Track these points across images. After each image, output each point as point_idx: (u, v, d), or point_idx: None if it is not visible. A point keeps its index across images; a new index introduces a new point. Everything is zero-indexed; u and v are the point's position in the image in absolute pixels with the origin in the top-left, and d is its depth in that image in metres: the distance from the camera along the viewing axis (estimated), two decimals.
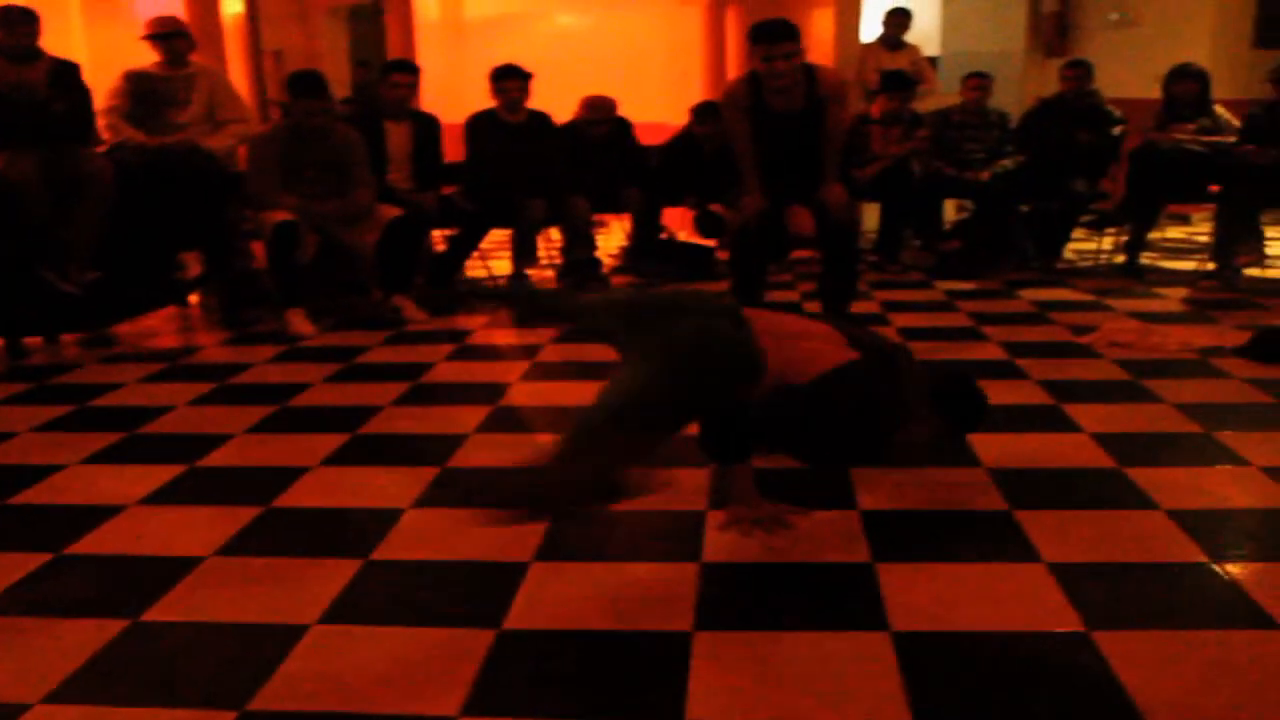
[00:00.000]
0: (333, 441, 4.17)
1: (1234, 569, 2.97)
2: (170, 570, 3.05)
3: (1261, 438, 4.08)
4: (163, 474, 3.85)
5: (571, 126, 7.77)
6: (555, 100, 7.68)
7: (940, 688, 2.42)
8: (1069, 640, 2.61)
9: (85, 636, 2.69)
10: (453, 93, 9.24)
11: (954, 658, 2.55)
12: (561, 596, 2.87)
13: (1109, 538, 3.18)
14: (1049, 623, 2.69)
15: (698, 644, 2.60)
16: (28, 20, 5.76)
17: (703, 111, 7.99)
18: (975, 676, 2.48)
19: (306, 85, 6.21)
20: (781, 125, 5.64)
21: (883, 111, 8.20)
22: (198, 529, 3.36)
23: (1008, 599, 2.83)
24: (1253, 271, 7.28)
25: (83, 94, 5.90)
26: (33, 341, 5.88)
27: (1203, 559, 3.04)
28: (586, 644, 2.63)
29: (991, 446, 3.96)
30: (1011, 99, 9.66)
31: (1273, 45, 10.62)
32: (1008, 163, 8.00)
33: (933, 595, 2.85)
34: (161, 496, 3.66)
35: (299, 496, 3.63)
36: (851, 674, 2.47)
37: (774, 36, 5.43)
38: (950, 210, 9.17)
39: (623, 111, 8.05)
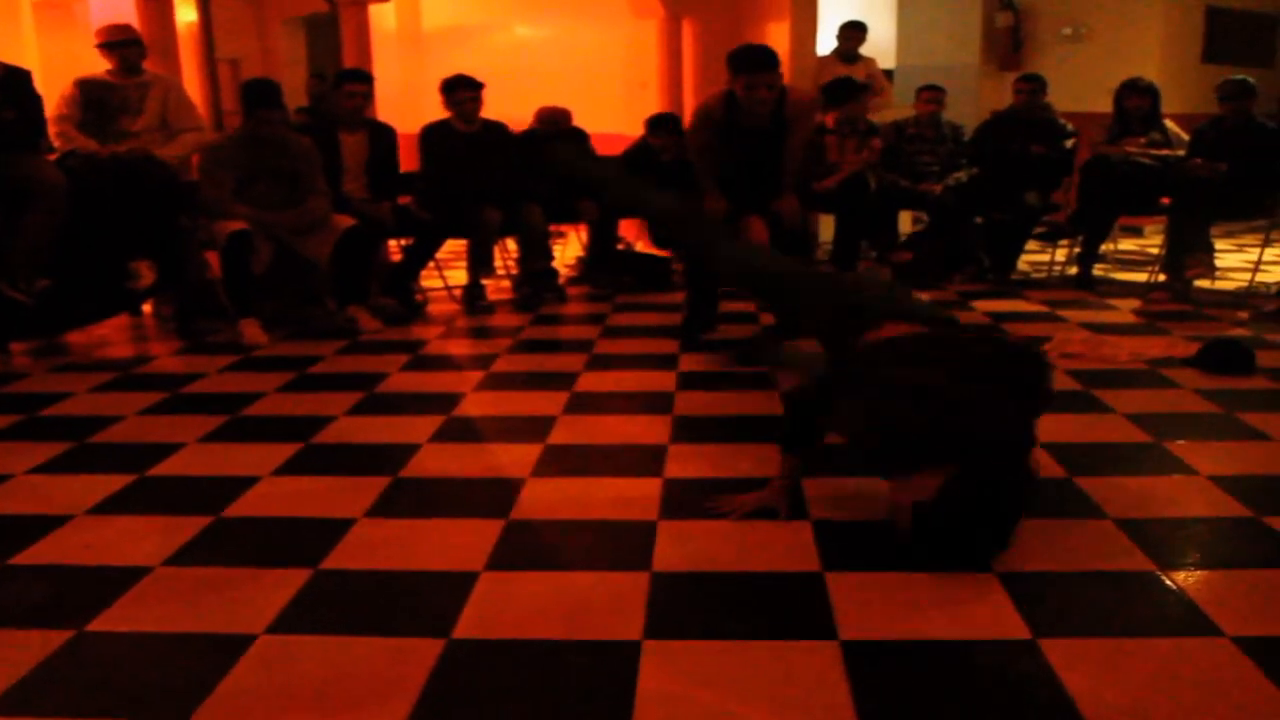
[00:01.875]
0: (285, 451, 4.14)
1: (1181, 577, 3.00)
2: (118, 580, 3.02)
3: (1211, 447, 4.14)
4: (112, 483, 3.82)
5: (526, 136, 7.77)
6: (512, 110, 7.69)
7: (888, 696, 2.43)
8: (1016, 648, 2.62)
9: (30, 647, 2.65)
10: (410, 102, 9.24)
11: (902, 666, 2.56)
12: (511, 606, 2.87)
13: (1058, 547, 3.20)
14: (997, 630, 2.71)
15: (647, 653, 2.60)
16: None
17: (658, 123, 8.01)
18: (923, 685, 2.49)
19: (261, 94, 6.18)
20: (747, 140, 5.71)
21: (836, 121, 8.23)
22: (147, 539, 3.33)
23: (957, 607, 2.84)
24: (1203, 283, 7.36)
25: (34, 101, 5.84)
26: None
27: (1151, 567, 3.07)
28: (536, 653, 2.62)
29: None
30: (966, 112, 9.74)
31: (1221, 61, 10.82)
32: (961, 175, 8.05)
33: (882, 604, 2.86)
34: (110, 506, 3.63)
35: (249, 506, 3.61)
36: (800, 683, 2.48)
37: (757, 66, 5.50)
38: (905, 222, 9.24)
39: (579, 122, 8.07)
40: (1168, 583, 2.97)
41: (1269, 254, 7.85)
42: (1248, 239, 9.88)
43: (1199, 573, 3.05)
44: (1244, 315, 6.58)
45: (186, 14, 8.63)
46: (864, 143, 8.23)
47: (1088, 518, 3.43)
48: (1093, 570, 3.07)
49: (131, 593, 2.95)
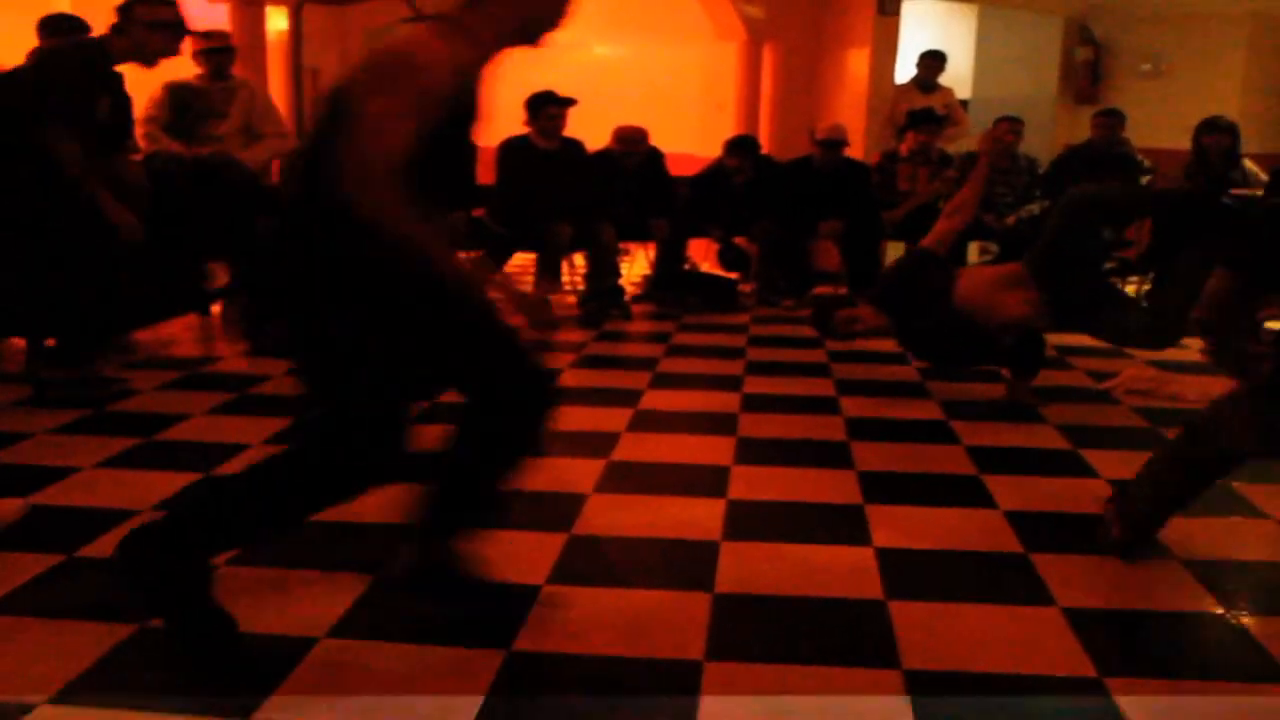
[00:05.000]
0: None
1: (1247, 620, 2.95)
2: None
3: (1277, 490, 4.06)
4: (178, 481, 3.84)
5: (603, 155, 7.79)
6: (588, 129, 7.71)
7: None
8: (1082, 685, 2.59)
9: (93, 639, 2.68)
10: (487, 117, 9.28)
11: (966, 698, 2.53)
12: (572, 619, 2.86)
13: (1124, 585, 3.16)
14: (1062, 667, 2.67)
15: (708, 674, 2.58)
16: (75, 27, 5.79)
17: (736, 145, 8.00)
18: (986, 718, 2.46)
19: None
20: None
21: (910, 149, 8.19)
22: None
23: (1020, 641, 2.81)
24: (1273, 324, 7.22)
25: (124, 103, 5.92)
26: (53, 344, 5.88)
27: (1217, 610, 3.02)
28: (597, 668, 2.62)
29: (1008, 489, 3.94)
30: (1040, 145, 9.66)
31: None
32: (1034, 208, 7.98)
33: (945, 635, 2.83)
34: (176, 503, 3.65)
35: None
36: (862, 711, 2.45)
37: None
38: (973, 253, 9.16)
39: (655, 142, 8.06)
40: (1235, 626, 2.92)
41: None
42: None
43: (1265, 617, 3.00)
44: None
45: (277, 22, 8.70)
46: (937, 172, 8.18)
47: (1155, 557, 3.37)
48: (1160, 610, 3.03)
49: None
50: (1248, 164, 7.56)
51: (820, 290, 5.30)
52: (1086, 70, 11.07)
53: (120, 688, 2.48)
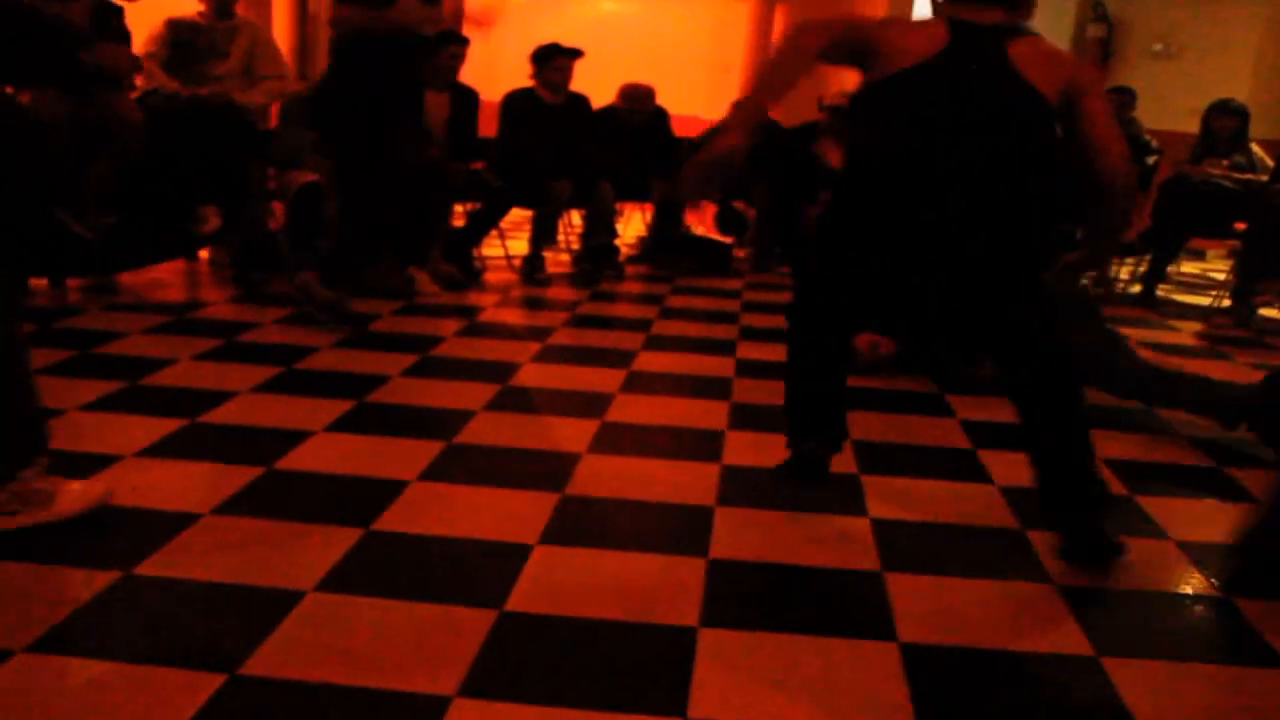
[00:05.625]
0: (338, 407, 4.10)
1: (1241, 602, 2.92)
2: (166, 525, 2.97)
3: (1269, 475, 4.03)
4: (162, 426, 3.78)
5: (608, 112, 7.70)
6: (592, 85, 7.61)
7: (948, 704, 2.37)
8: (1079, 664, 2.56)
9: (74, 587, 2.62)
10: (488, 72, 9.16)
11: (963, 673, 2.50)
12: (566, 581, 2.81)
13: (1118, 563, 3.11)
14: (1060, 645, 2.64)
15: (703, 640, 2.54)
16: None
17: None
18: (984, 695, 2.43)
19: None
20: None
21: None
22: (195, 485, 3.30)
23: (1017, 617, 2.79)
24: (1268, 312, 7.21)
25: (123, 38, 5.81)
26: (37, 283, 5.81)
27: (1210, 591, 3.00)
28: (591, 632, 2.56)
29: (1003, 464, 3.91)
30: None
31: None
32: None
33: (941, 608, 2.80)
34: (160, 450, 3.58)
35: (301, 460, 3.56)
36: (859, 682, 2.41)
37: None
38: None
39: (661, 102, 7.95)
40: (1231, 608, 2.90)
41: None
42: None
43: (1261, 601, 2.96)
44: None
45: None
46: None
47: (1149, 537, 3.35)
48: (1155, 590, 3.02)
49: (179, 539, 2.91)
50: (1255, 148, 7.51)
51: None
52: (1098, 47, 11.00)
53: (100, 638, 2.42)
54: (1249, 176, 7.33)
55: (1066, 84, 2.95)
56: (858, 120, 3.14)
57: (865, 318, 4.01)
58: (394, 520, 3.11)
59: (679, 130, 8.01)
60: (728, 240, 8.17)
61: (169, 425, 3.80)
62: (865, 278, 3.17)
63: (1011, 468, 3.86)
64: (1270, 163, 7.38)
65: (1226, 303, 7.26)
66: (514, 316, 6.14)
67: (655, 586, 2.82)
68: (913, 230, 2.99)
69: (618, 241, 7.63)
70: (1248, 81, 9.98)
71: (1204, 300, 7.86)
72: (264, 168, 6.36)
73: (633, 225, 8.93)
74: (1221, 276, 8.26)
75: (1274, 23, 10.38)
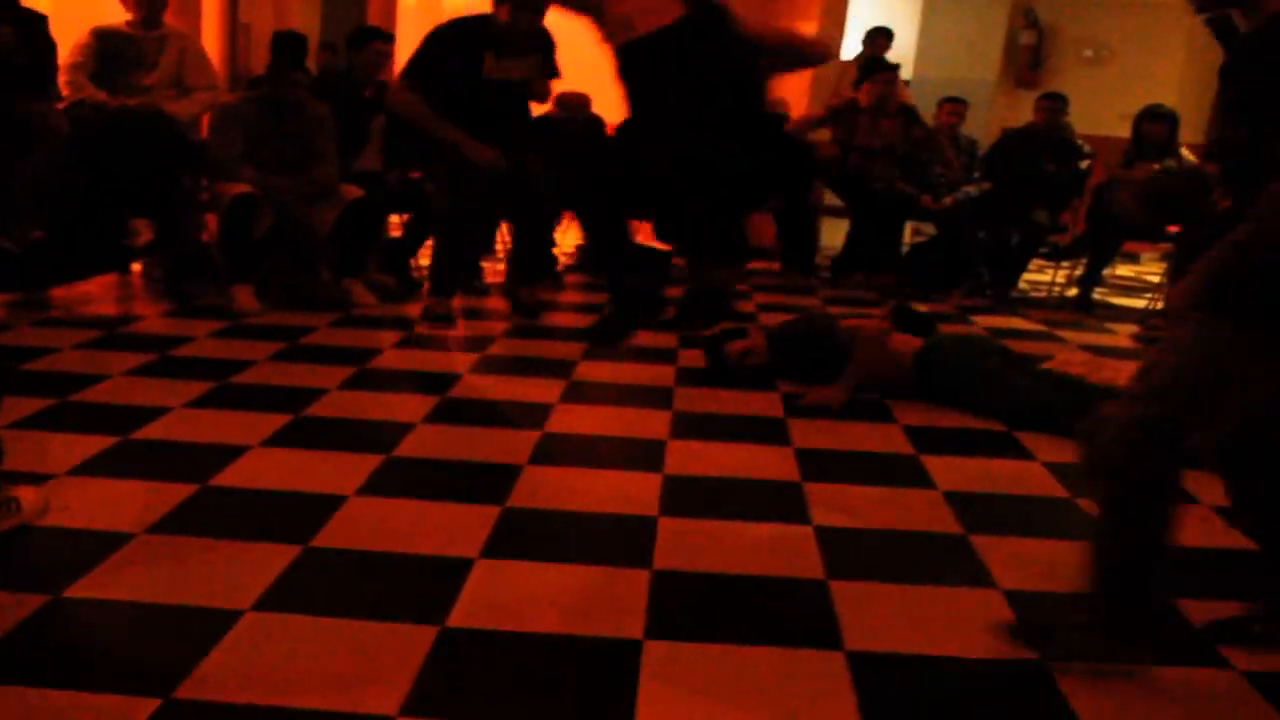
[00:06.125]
0: (274, 421, 4.03)
1: (1190, 608, 2.92)
2: (98, 545, 2.90)
3: (1210, 476, 4.06)
4: (94, 444, 3.70)
5: (544, 120, 7.65)
6: None
7: (896, 711, 2.36)
8: (1025, 669, 2.55)
9: (2, 610, 2.55)
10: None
11: (910, 681, 2.49)
12: (508, 596, 2.77)
13: (1061, 567, 3.12)
14: (1007, 650, 2.63)
15: (648, 653, 2.51)
16: None
17: None
18: (932, 703, 2.42)
19: (294, 51, 6.04)
20: None
21: (869, 102, 8.11)
22: (128, 504, 3.23)
23: (963, 623, 2.77)
24: None
25: (48, 47, 5.69)
26: None
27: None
28: (534, 647, 2.53)
29: (945, 469, 3.92)
30: (982, 127, 9.68)
31: None
32: (971, 189, 7.97)
33: (887, 616, 2.79)
34: (92, 467, 3.51)
35: (237, 476, 3.50)
36: (806, 692, 2.40)
37: None
38: (909, 234, 9.17)
39: (596, 110, 7.92)
40: (1174, 612, 2.90)
41: None
42: None
43: (1203, 602, 2.97)
44: None
45: None
46: (903, 124, 8.12)
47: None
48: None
49: (112, 559, 2.84)
50: (1185, 152, 7.61)
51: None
52: (1029, 54, 11.13)
53: (29, 665, 2.35)
54: None
55: None
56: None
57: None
58: (333, 536, 3.06)
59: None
60: (666, 248, 8.14)
61: (101, 442, 3.72)
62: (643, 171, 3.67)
63: (953, 472, 3.89)
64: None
65: (1162, 305, 7.34)
66: (452, 327, 6.08)
67: (599, 599, 2.79)
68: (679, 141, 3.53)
69: (556, 250, 7.59)
70: (1175, 87, 10.13)
71: (1139, 303, 7.96)
72: (196, 179, 6.26)
73: (570, 235, 8.89)
74: (1156, 279, 8.37)
75: (1199, 30, 10.51)
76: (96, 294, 6.25)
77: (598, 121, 7.91)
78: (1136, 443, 2.43)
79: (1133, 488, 2.49)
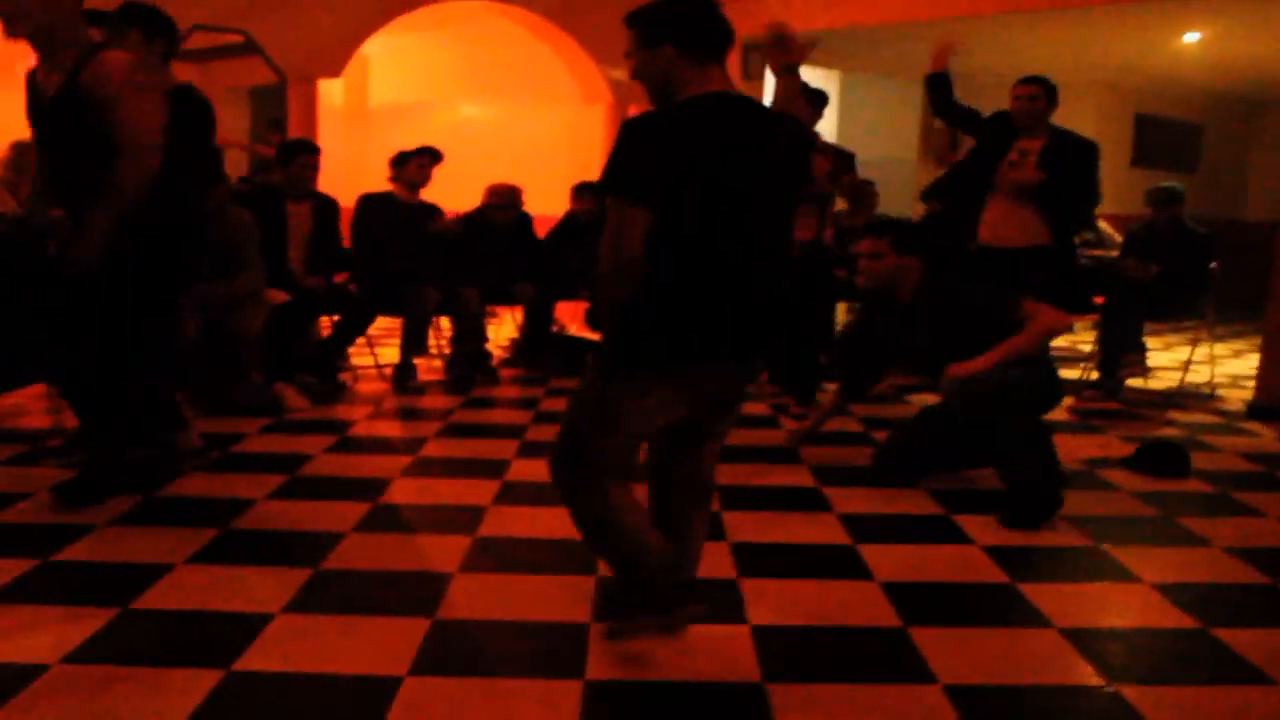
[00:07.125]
0: (200, 537, 3.94)
1: (1129, 691, 2.91)
2: (11, 679, 2.80)
3: (1152, 553, 4.09)
4: (10, 569, 3.58)
5: (477, 214, 7.67)
6: (454, 190, 7.60)
7: None
8: None
9: None
10: (353, 178, 9.13)
11: None
12: (436, 716, 2.70)
13: (1004, 657, 3.11)
14: None
15: None
16: None
17: (583, 187, 7.99)
18: None
19: (210, 162, 6.00)
20: None
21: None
22: (44, 632, 3.12)
23: None
24: (1135, 382, 7.38)
25: None
26: None
27: (1098, 681, 2.99)
28: None
29: (883, 558, 3.90)
30: (904, 205, 9.79)
31: (1149, 165, 11.05)
32: None
33: (826, 718, 2.74)
34: (6, 594, 3.39)
35: (159, 598, 3.40)
36: None
37: None
38: (842, 312, 9.21)
39: (524, 204, 7.96)
40: (1115, 697, 2.89)
41: (1198, 353, 7.89)
42: (1173, 338, 9.97)
43: (1146, 687, 2.96)
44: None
45: None
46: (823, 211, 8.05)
47: (1033, 626, 3.35)
48: (1041, 684, 2.98)
49: (25, 694, 2.74)
50: (1103, 225, 7.74)
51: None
52: (946, 137, 11.31)
53: None
54: (1100, 253, 7.55)
55: None
56: None
57: None
58: (256, 659, 2.98)
59: (541, 231, 8.03)
60: (597, 338, 8.14)
61: (18, 566, 3.61)
62: None
63: (892, 561, 3.86)
64: (1118, 238, 7.61)
65: (1094, 376, 7.41)
66: (386, 428, 6.02)
67: (530, 715, 2.72)
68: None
69: (489, 345, 7.57)
70: None
71: (1073, 373, 8.01)
72: None
73: (505, 327, 8.87)
74: (1088, 349, 8.45)
75: (1107, 107, 10.80)
76: (25, 405, 6.12)
77: (526, 217, 7.93)
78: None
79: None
